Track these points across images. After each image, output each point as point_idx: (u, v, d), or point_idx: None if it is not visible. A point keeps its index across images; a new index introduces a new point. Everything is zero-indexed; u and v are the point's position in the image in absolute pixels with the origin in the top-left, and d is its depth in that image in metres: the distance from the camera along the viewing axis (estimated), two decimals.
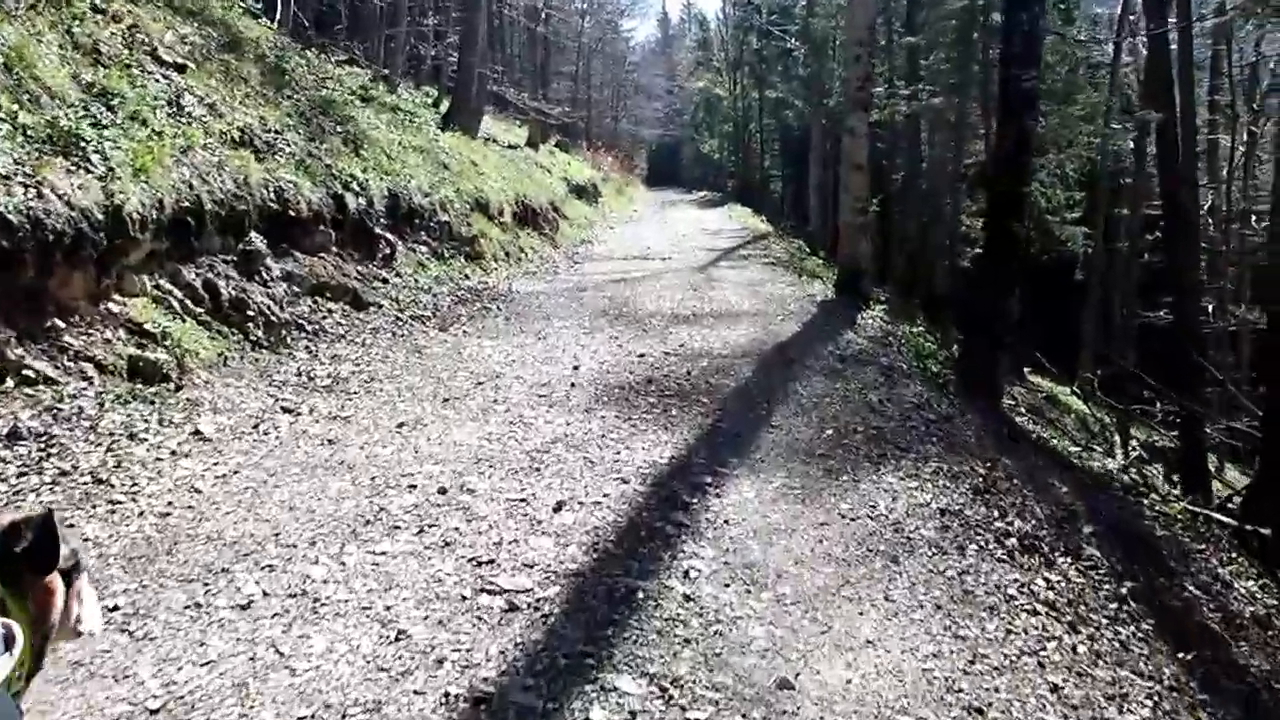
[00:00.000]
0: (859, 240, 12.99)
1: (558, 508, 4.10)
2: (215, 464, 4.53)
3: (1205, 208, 22.91)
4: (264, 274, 6.87)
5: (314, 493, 4.22)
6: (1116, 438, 16.20)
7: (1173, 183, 12.80)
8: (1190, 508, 6.99)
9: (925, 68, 21.81)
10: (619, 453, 4.87)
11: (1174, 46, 13.39)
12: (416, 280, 9.44)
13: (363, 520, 3.91)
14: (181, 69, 7.86)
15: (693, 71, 55.01)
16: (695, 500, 4.26)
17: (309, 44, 17.56)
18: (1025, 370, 22.52)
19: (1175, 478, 15.19)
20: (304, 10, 19.52)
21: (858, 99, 12.69)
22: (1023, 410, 13.29)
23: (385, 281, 8.86)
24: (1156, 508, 6.57)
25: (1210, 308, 23.61)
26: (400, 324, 8.02)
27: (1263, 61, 24.96)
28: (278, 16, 17.52)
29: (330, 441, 4.96)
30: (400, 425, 5.27)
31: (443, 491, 4.24)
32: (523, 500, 4.17)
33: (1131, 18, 24.33)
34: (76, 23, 6.88)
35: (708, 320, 9.18)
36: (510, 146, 22.32)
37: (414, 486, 4.31)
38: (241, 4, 15.96)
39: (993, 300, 9.80)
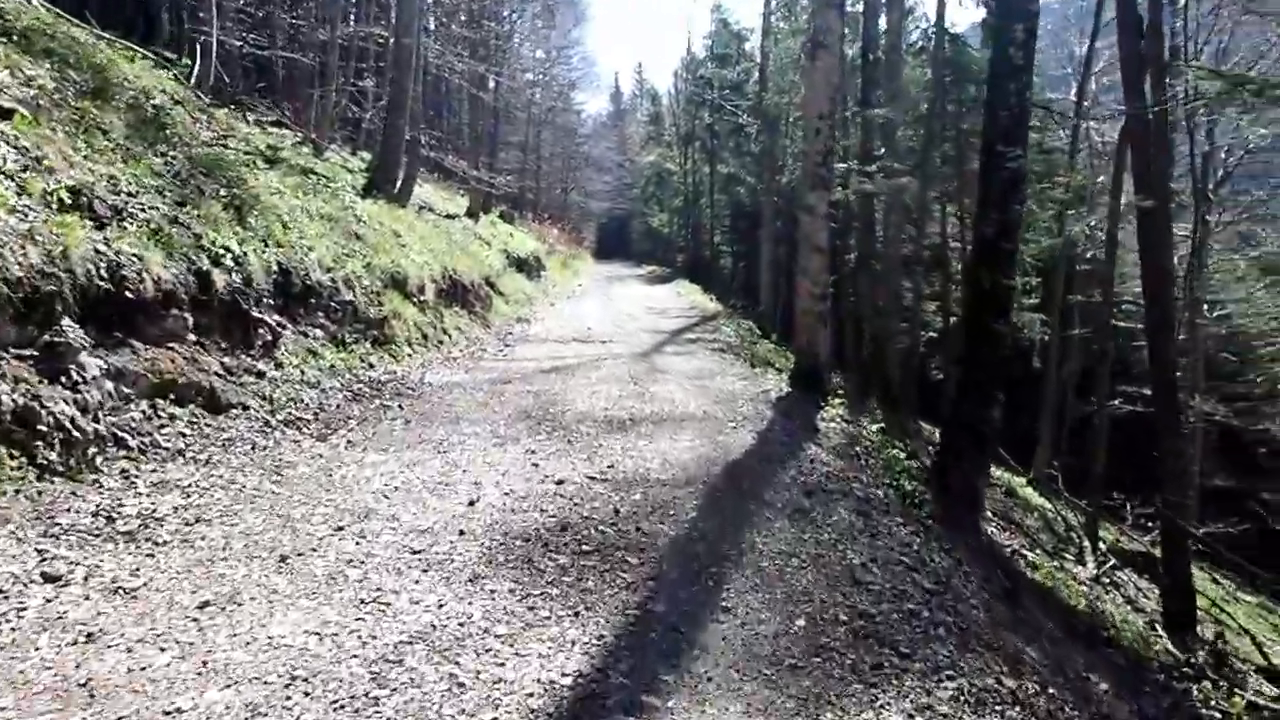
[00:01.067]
0: (817, 330, 11.72)
1: None
2: None
3: None
4: (75, 374, 5.29)
5: None
6: (1086, 543, 14.98)
7: (1155, 272, 11.74)
8: (1255, 700, 5.65)
9: (881, 145, 20.96)
10: (504, 663, 3.34)
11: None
12: (303, 372, 7.89)
13: None
14: (7, 115, 6.37)
15: (644, 145, 54.58)
16: None
17: (229, 101, 16.21)
18: None
19: (1153, 587, 14.00)
20: (230, 67, 18.18)
21: (817, 176, 11.54)
22: (989, 515, 12.08)
23: (260, 375, 7.31)
24: (1214, 703, 5.20)
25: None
26: (267, 431, 6.47)
27: (1215, 150, 24.56)
28: (196, 70, 16.18)
29: (90, 636, 3.40)
30: (204, 605, 3.71)
31: None
32: None
33: (1085, 104, 23.85)
34: None
35: (647, 426, 7.74)
36: (448, 216, 21.02)
37: None
38: (148, 55, 14.64)
39: (974, 407, 8.52)
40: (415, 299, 11.55)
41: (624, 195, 62.99)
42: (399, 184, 16.13)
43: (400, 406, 7.97)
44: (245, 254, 7.68)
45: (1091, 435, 25.85)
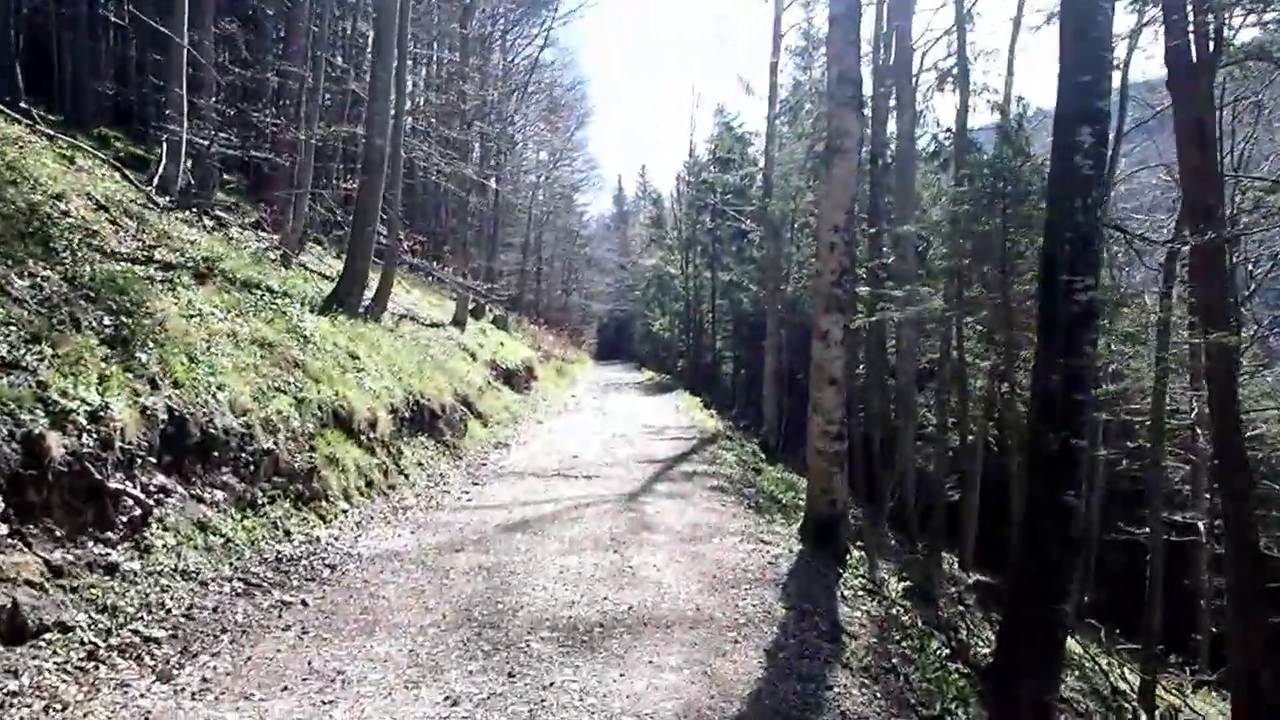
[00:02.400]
0: (831, 474, 9.89)
1: None
2: None
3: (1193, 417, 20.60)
4: None
5: None
6: (1143, 717, 12.85)
7: (1225, 403, 10.11)
8: None
9: (892, 258, 19.43)
10: None
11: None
12: (179, 557, 6.01)
13: None
14: None
15: (645, 248, 53.47)
16: None
17: (190, 204, 14.70)
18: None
19: None
20: (206, 167, 16.81)
21: (832, 297, 9.86)
22: None
23: (111, 570, 5.44)
24: None
25: (1202, 525, 21.14)
26: (85, 670, 4.57)
27: (1245, 260, 23.01)
28: (161, 171, 14.80)
29: None
30: None
31: None
32: None
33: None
34: None
35: (622, 637, 5.82)
36: (432, 325, 19.44)
37: None
38: (99, 154, 13.19)
39: (1044, 602, 6.63)
40: (364, 437, 9.75)
41: (626, 297, 61.81)
42: (370, 295, 14.53)
43: (305, 601, 6.08)
44: (108, 404, 5.88)
45: (1115, 569, 23.70)
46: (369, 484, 9.24)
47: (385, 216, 16.25)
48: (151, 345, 7.05)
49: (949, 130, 22.29)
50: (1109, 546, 22.77)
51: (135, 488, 5.96)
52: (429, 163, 20.11)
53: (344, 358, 11.01)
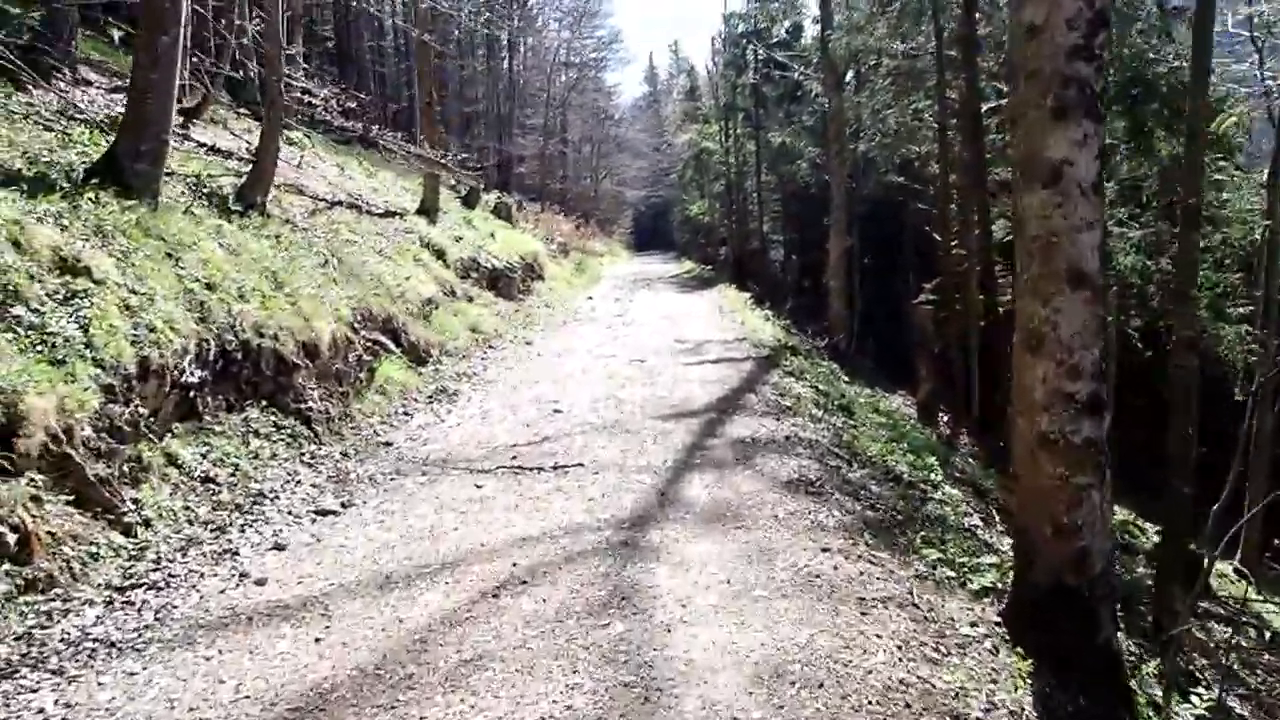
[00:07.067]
0: (1082, 492, 3.94)
1: None
2: None
3: None
4: None
5: None
6: None
7: None
8: None
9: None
10: None
11: None
12: None
13: None
14: None
15: (680, 125, 46.18)
16: None
17: None
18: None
19: None
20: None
21: (1070, 85, 3.70)
22: None
23: None
24: None
25: None
26: None
27: None
28: None
29: None
30: None
31: None
32: None
33: None
34: None
35: None
36: (385, 215, 13.47)
37: None
38: None
39: None
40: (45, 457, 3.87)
41: (662, 182, 54.77)
42: (159, 164, 8.49)
43: None
44: None
45: None
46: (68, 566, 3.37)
47: (262, 47, 10.10)
48: None
49: None
50: None
51: None
52: None
53: (46, 279, 5.11)
